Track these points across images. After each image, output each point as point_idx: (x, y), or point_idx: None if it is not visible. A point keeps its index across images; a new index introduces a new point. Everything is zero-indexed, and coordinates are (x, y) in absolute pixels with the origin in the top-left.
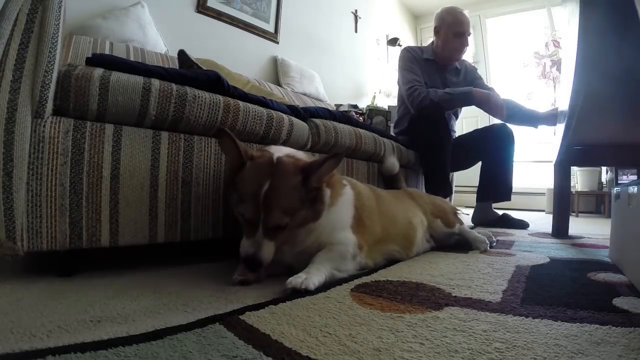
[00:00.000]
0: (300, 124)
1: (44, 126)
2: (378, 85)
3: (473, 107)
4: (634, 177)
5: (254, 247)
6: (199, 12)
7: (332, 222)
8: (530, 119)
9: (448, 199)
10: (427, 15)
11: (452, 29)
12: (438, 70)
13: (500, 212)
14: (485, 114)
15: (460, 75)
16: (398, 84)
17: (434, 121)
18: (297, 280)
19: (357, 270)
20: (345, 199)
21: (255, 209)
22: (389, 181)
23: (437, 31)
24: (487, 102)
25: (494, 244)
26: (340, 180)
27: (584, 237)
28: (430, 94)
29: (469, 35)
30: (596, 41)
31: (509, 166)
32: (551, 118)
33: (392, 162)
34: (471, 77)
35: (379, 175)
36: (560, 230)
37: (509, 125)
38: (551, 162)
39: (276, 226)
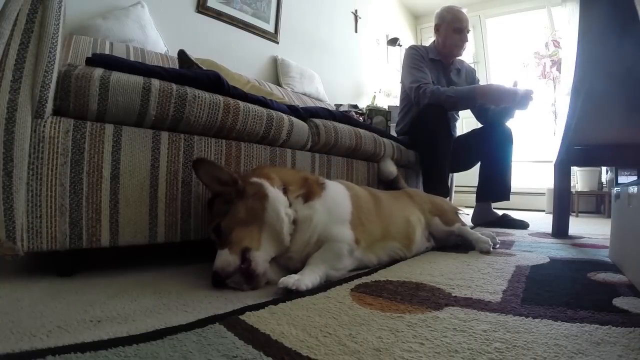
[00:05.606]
0: (300, 124)
1: (44, 126)
2: (378, 85)
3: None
4: (634, 177)
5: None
6: (199, 12)
7: (320, 217)
8: (503, 111)
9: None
10: (427, 15)
11: (452, 25)
12: (443, 70)
13: (500, 212)
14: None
15: (462, 76)
16: (402, 83)
17: (436, 121)
18: (288, 280)
19: (355, 265)
20: (329, 195)
21: None
22: (388, 183)
23: (437, 29)
24: (485, 92)
25: (498, 245)
26: (317, 179)
27: (584, 237)
28: (435, 92)
29: (467, 32)
30: (596, 41)
31: (508, 166)
32: (520, 100)
33: (389, 169)
34: (471, 78)
35: (379, 175)
36: (560, 230)
37: (507, 124)
38: (551, 162)
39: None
